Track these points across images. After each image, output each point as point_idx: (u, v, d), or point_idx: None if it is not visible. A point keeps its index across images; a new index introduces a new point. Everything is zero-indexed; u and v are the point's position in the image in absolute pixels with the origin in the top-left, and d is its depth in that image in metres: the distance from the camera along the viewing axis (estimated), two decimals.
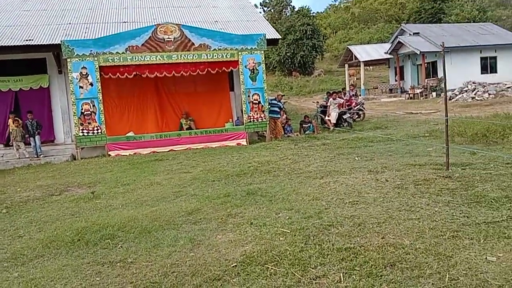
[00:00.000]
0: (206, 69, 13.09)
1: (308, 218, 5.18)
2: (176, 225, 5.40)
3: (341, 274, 3.69)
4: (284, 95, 15.37)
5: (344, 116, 14.61)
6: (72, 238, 5.07)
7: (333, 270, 3.80)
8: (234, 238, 4.75)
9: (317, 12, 66.16)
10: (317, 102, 16.91)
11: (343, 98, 15.48)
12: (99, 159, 11.85)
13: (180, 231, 5.14)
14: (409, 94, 28.09)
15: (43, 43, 12.98)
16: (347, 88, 21.27)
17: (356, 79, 33.95)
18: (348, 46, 35.42)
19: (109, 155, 12.25)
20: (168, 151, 12.39)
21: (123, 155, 12.15)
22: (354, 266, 3.84)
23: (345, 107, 15.17)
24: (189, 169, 9.24)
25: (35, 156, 12.19)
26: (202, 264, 4.11)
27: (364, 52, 33.13)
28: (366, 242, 4.35)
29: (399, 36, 30.88)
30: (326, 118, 14.77)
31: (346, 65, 34.96)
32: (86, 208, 6.61)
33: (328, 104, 14.74)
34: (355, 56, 33.30)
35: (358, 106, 16.52)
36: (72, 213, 6.35)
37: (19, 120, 12.48)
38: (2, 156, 11.90)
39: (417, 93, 27.41)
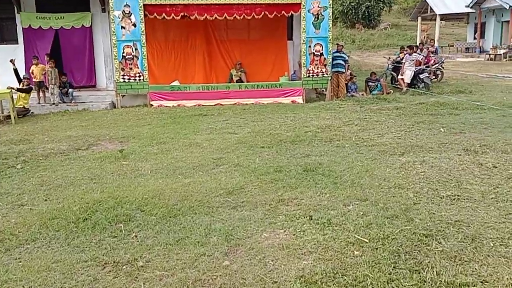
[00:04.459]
0: (262, 12, 11.33)
1: (392, 219, 3.69)
2: (210, 208, 4.11)
3: None
4: (343, 46, 13.09)
5: (421, 76, 12.36)
6: (78, 216, 3.94)
7: None
8: (287, 241, 3.38)
9: None
10: (389, 57, 14.51)
11: (420, 54, 13.11)
12: (140, 109, 10.78)
13: (215, 219, 3.84)
14: (489, 54, 24.63)
15: None
16: (420, 43, 18.51)
17: (427, 34, 30.40)
18: None
19: (151, 105, 11.13)
20: (215, 105, 11.06)
21: (166, 106, 10.99)
22: None
23: (423, 65, 12.88)
24: (235, 128, 7.87)
25: (71, 103, 11.11)
26: (239, 287, 2.78)
27: (441, 4, 29.27)
28: (490, 275, 2.82)
29: None
30: (399, 77, 12.61)
31: (419, 18, 31.33)
32: (109, 171, 5.48)
33: (404, 60, 12.49)
34: (430, 8, 29.63)
35: (437, 64, 14.12)
36: (92, 177, 5.23)
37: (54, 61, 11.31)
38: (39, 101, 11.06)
39: (500, 54, 23.92)
